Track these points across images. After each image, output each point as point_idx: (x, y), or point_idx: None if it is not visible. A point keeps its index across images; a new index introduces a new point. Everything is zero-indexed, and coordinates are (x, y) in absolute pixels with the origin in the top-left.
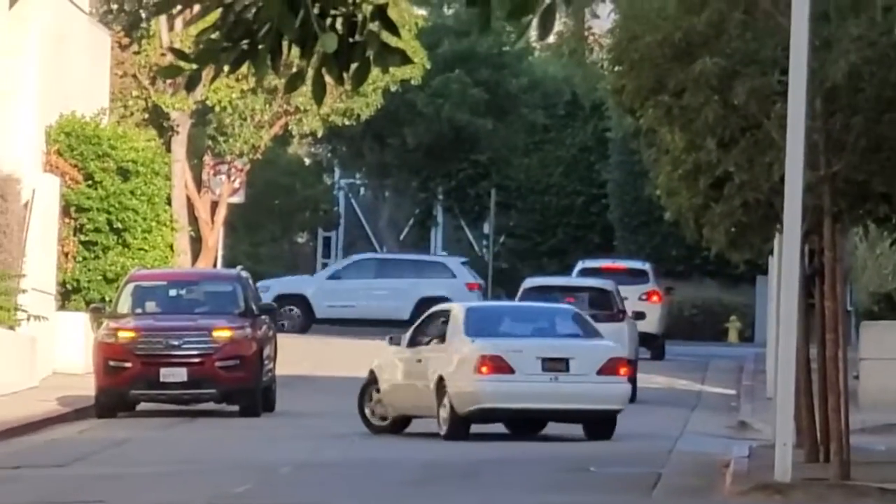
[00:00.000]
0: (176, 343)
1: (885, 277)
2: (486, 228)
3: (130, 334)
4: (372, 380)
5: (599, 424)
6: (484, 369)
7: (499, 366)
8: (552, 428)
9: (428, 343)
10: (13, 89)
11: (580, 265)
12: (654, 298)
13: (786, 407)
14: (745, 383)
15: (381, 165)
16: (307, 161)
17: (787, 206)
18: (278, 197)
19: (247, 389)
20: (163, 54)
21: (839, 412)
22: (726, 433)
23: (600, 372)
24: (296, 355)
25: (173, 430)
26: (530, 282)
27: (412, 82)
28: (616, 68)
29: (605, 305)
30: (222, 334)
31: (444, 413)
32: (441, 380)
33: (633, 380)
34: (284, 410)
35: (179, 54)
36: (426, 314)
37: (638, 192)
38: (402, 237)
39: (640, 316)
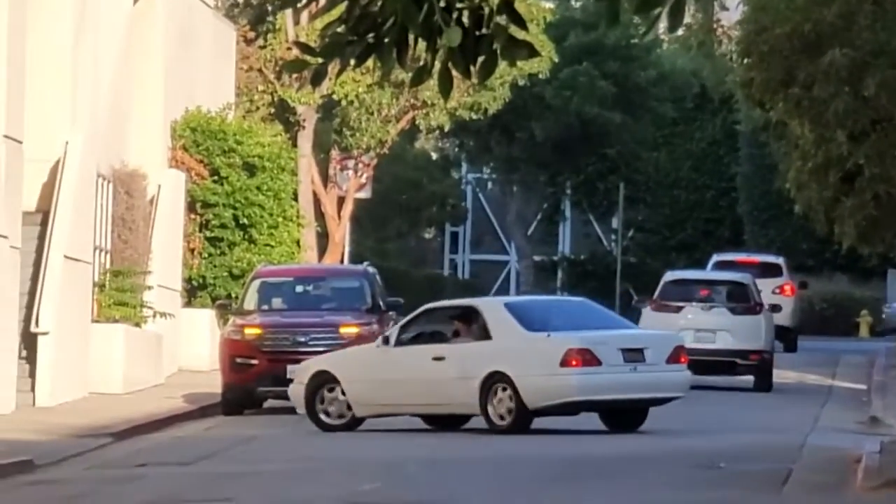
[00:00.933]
0: (303, 339)
1: None
2: (615, 223)
3: (257, 331)
4: (324, 381)
5: (633, 415)
6: (573, 362)
7: (587, 358)
8: (565, 422)
9: (438, 342)
10: (139, 84)
11: (715, 258)
12: (788, 292)
13: None
14: (877, 378)
15: (509, 160)
16: (434, 155)
17: None
18: (405, 192)
19: None
20: (288, 48)
21: None
22: (857, 428)
23: (668, 360)
24: None
25: (300, 428)
26: (671, 275)
27: (540, 76)
28: (745, 61)
29: (742, 298)
30: (349, 330)
31: (501, 408)
32: (494, 375)
33: (768, 371)
34: None
35: (305, 48)
36: (415, 313)
37: (768, 185)
38: (529, 232)
39: (776, 308)
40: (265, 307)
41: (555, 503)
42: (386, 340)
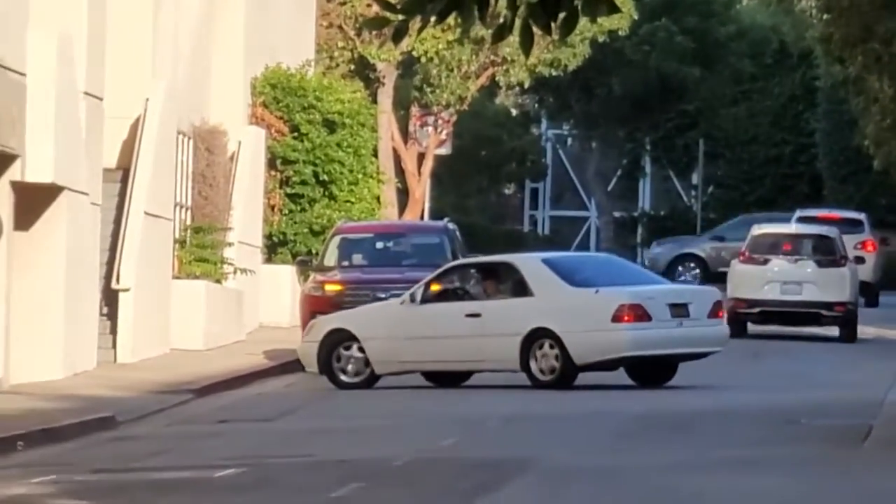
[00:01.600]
0: (383, 296)
1: None
2: (695, 179)
3: (337, 287)
4: (340, 339)
5: (663, 370)
6: (625, 318)
7: (639, 314)
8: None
9: (470, 298)
10: (220, 42)
11: (798, 213)
12: (869, 248)
13: None
14: None
15: (589, 116)
16: (514, 112)
17: None
18: (485, 148)
19: None
20: (369, 5)
21: None
22: None
23: (709, 315)
24: None
25: (380, 384)
26: (758, 228)
27: (619, 32)
28: (824, 16)
29: (828, 251)
30: None
31: (545, 363)
32: (538, 331)
33: (853, 322)
34: None
35: (385, 5)
36: (441, 270)
37: (847, 141)
38: (609, 188)
39: (860, 261)
40: (345, 263)
41: (636, 456)
42: (412, 297)
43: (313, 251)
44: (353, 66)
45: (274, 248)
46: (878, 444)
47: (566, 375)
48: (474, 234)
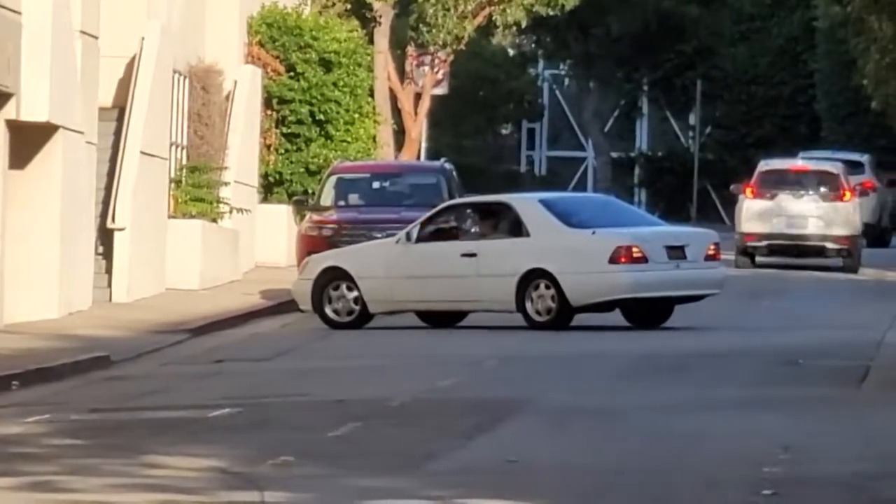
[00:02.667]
0: (380, 236)
1: None
2: (692, 119)
3: (333, 227)
4: (334, 277)
5: (659, 312)
6: (622, 259)
7: (636, 256)
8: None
9: (466, 238)
10: None
11: (801, 156)
12: (868, 188)
13: None
14: None
15: (586, 56)
16: (511, 52)
17: None
18: (482, 88)
19: None
20: None
21: None
22: None
23: (707, 258)
24: None
25: (376, 323)
26: (765, 164)
27: None
28: None
29: (833, 186)
30: None
31: (541, 304)
32: (534, 272)
33: (856, 254)
34: None
35: None
36: (438, 209)
37: (846, 82)
38: (606, 129)
39: (864, 193)
40: (342, 203)
41: (635, 397)
42: (408, 236)
43: (309, 191)
44: (349, 6)
45: (270, 187)
46: (875, 385)
47: (562, 317)
48: (471, 174)
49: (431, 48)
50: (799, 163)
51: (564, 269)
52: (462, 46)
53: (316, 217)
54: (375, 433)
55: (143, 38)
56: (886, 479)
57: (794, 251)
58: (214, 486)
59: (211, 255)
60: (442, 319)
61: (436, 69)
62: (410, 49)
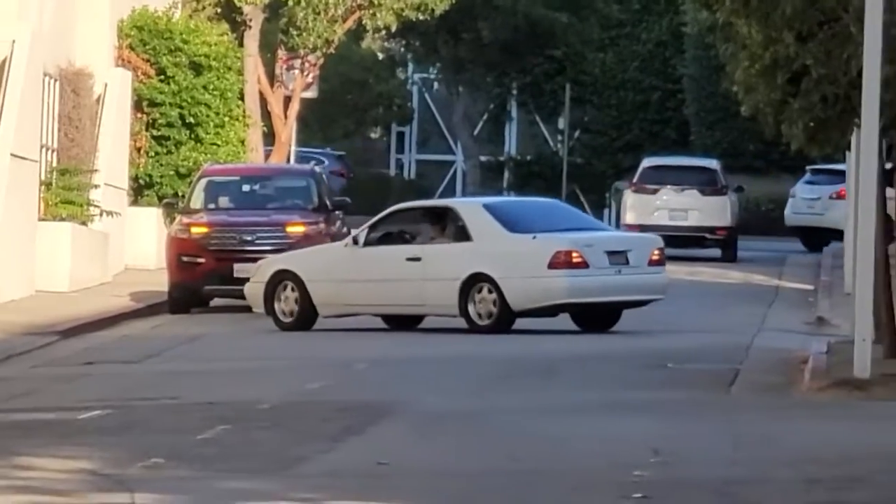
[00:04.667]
0: (249, 238)
1: None
2: (561, 124)
3: (203, 230)
4: (283, 279)
5: (607, 316)
6: (562, 264)
7: (575, 261)
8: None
9: (411, 242)
10: None
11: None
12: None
13: (864, 302)
14: (823, 279)
15: (456, 60)
16: (381, 56)
17: (865, 101)
18: (352, 92)
19: None
20: None
21: None
22: (804, 329)
23: (650, 263)
24: None
25: (247, 327)
26: (648, 161)
27: None
28: None
29: (710, 181)
30: (296, 230)
31: (483, 308)
32: (477, 276)
33: (733, 244)
34: None
35: None
36: (385, 213)
37: (714, 87)
38: (476, 132)
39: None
40: (212, 206)
41: (504, 400)
42: (355, 240)
43: (179, 193)
44: (219, 9)
45: (140, 190)
46: (744, 389)
47: (503, 321)
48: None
49: (301, 52)
50: (679, 159)
51: (505, 274)
52: (332, 50)
53: (186, 219)
54: (244, 436)
55: (13, 41)
56: (754, 483)
57: (675, 242)
58: (85, 487)
59: (81, 257)
60: (403, 321)
61: (306, 73)
62: (280, 52)
